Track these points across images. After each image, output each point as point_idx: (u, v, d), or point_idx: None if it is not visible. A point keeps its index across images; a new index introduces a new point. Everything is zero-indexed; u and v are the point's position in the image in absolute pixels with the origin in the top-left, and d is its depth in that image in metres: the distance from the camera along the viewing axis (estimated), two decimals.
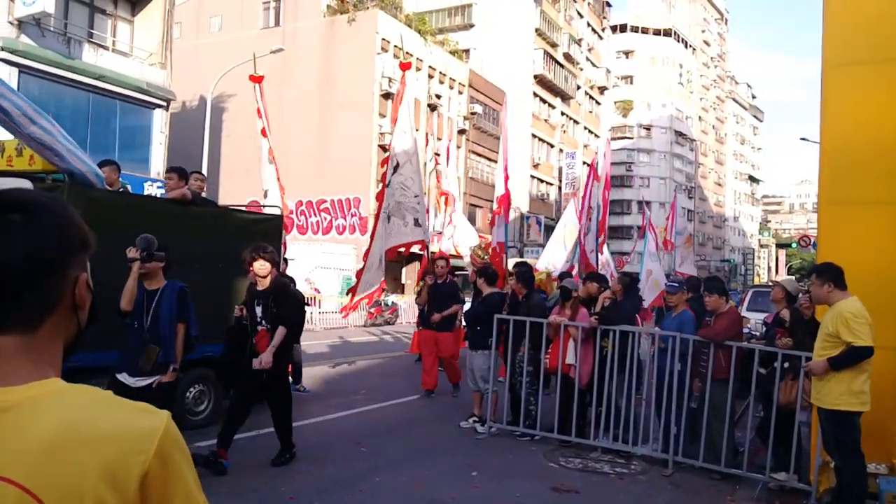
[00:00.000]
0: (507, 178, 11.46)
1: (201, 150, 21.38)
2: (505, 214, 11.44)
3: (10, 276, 0.92)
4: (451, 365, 9.48)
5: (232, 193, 30.60)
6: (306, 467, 5.74)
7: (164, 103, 20.56)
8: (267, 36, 30.92)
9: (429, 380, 9.21)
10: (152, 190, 19.78)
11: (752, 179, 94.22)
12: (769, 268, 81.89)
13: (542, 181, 44.33)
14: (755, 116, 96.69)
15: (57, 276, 0.96)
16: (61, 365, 0.99)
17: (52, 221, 0.95)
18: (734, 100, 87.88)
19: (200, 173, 7.72)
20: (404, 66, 9.61)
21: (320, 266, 23.74)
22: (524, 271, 7.87)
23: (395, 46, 29.71)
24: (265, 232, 7.22)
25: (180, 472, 0.95)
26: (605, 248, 15.04)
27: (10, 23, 16.32)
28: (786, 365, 5.70)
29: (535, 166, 43.25)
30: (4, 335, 0.93)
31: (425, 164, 14.94)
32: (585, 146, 50.28)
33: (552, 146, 45.69)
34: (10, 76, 16.39)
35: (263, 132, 8.84)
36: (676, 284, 6.89)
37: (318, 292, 22.17)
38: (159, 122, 20.63)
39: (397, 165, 9.09)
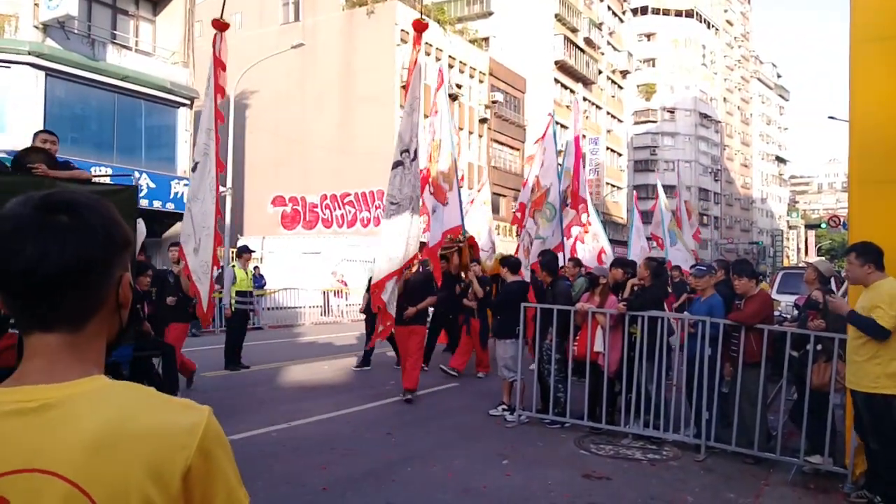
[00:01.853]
0: (430, 153, 9.99)
1: (226, 147, 21.59)
2: (438, 195, 9.75)
3: (59, 276, 0.94)
4: (413, 366, 8.33)
5: (257, 188, 30.94)
6: (338, 458, 5.80)
7: (188, 102, 20.79)
8: (287, 31, 31.07)
9: (411, 378, 8.26)
10: (179, 188, 20.08)
11: (780, 160, 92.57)
12: (798, 249, 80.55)
13: None
14: (781, 96, 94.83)
15: (103, 275, 0.98)
16: (104, 362, 1.02)
17: (97, 221, 0.97)
18: (759, 80, 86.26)
19: (48, 132, 5.86)
20: (419, 27, 7.81)
21: (346, 259, 23.90)
22: (549, 259, 7.87)
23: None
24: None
25: (222, 467, 0.97)
26: (582, 231, 14.23)
27: (36, 27, 16.61)
28: (818, 347, 5.62)
29: (558, 153, 42.93)
30: (51, 333, 0.96)
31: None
32: (609, 131, 49.78)
33: None
34: (38, 79, 16.70)
35: (220, 92, 7.47)
36: (704, 268, 6.82)
37: (346, 285, 22.32)
38: (184, 121, 20.87)
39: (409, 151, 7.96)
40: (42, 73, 16.77)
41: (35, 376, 0.94)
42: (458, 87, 33.26)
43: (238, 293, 10.52)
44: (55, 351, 0.96)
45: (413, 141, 7.83)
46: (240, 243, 24.99)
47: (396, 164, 7.84)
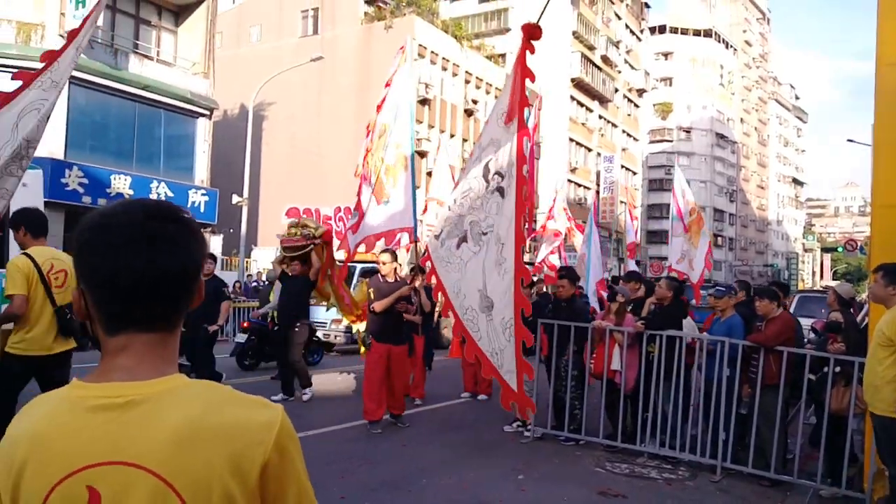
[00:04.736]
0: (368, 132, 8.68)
1: (243, 158, 21.79)
2: (376, 191, 8.30)
3: (185, 280, 1.03)
4: (402, 386, 7.59)
5: (272, 199, 31.15)
6: (355, 467, 5.83)
7: (207, 112, 21.01)
8: (306, 44, 31.38)
9: (374, 406, 7.15)
10: (196, 197, 20.27)
11: (796, 182, 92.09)
12: (814, 272, 79.86)
13: (579, 185, 44.03)
14: (798, 118, 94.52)
15: (198, 277, 1.06)
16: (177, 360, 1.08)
17: (197, 229, 1.07)
18: (777, 101, 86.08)
19: None
20: (530, 33, 5.80)
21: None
22: (567, 275, 7.88)
23: (432, 52, 29.82)
24: None
25: (294, 463, 1.03)
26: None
27: (61, 35, 16.88)
28: (837, 370, 5.57)
29: (573, 170, 42.98)
30: (151, 332, 1.02)
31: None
32: (624, 150, 49.78)
33: (590, 150, 45.37)
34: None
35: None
36: (724, 289, 6.83)
37: None
38: (203, 131, 21.08)
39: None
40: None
41: (120, 373, 0.99)
42: (475, 102, 33.44)
43: None
44: (148, 349, 1.01)
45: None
46: (254, 253, 25.20)
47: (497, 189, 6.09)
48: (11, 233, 4.77)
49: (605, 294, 13.74)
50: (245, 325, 11.22)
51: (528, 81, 5.96)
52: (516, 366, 5.70)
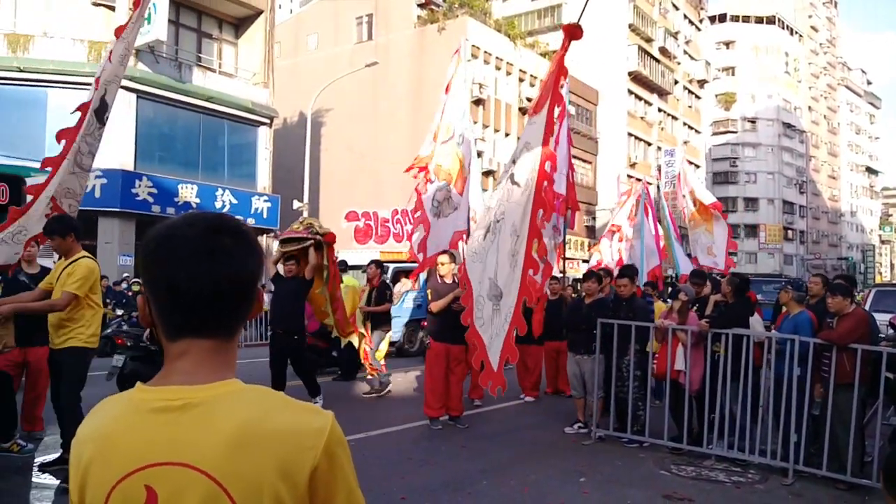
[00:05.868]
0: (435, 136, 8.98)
1: (303, 164, 22.25)
2: (425, 182, 8.66)
3: (239, 292, 1.06)
4: (460, 387, 7.62)
5: (331, 203, 31.72)
6: (416, 468, 5.88)
7: (267, 121, 21.57)
8: (361, 50, 31.82)
9: (435, 402, 7.39)
10: (259, 204, 20.81)
11: (870, 171, 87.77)
12: (892, 265, 75.98)
13: (639, 180, 43.09)
14: (871, 104, 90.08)
15: (256, 287, 1.10)
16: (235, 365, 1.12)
17: (254, 242, 1.11)
18: (847, 87, 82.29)
19: None
20: (572, 33, 6.13)
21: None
22: (627, 273, 7.72)
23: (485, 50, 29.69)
24: None
25: (343, 468, 1.05)
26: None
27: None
28: None
29: (632, 165, 42.18)
30: (208, 339, 1.05)
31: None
32: (685, 143, 48.54)
33: (649, 144, 44.42)
34: (130, 102, 17.69)
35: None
36: (783, 282, 6.56)
37: None
38: (264, 139, 21.65)
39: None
40: (134, 96, 17.76)
41: (180, 377, 1.03)
42: (529, 100, 33.18)
43: None
44: (206, 354, 1.05)
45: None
46: None
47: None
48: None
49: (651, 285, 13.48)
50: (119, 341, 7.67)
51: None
52: (503, 349, 5.98)
